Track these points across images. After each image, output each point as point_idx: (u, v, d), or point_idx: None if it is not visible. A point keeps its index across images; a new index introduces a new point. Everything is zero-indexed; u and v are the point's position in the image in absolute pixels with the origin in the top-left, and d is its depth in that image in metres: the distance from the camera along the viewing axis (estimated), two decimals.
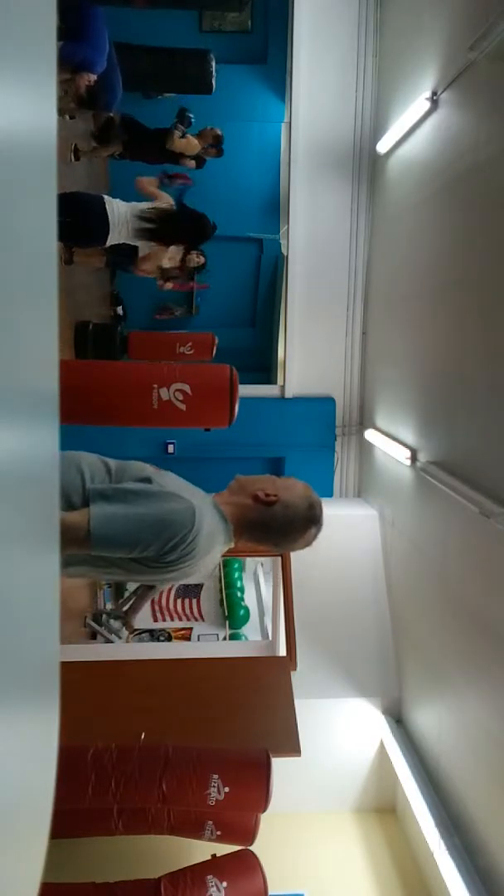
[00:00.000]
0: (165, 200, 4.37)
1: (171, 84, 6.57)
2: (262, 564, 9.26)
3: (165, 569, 1.75)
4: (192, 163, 5.87)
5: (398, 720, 4.53)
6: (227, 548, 1.88)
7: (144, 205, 4.31)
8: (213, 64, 6.48)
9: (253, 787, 3.29)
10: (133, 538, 1.68)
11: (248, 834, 3.44)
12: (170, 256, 4.84)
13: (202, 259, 5.52)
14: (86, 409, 3.43)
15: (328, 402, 5.75)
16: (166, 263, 4.92)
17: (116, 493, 1.73)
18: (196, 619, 8.53)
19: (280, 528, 1.86)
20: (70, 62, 4.26)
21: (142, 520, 1.69)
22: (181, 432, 5.51)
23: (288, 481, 1.91)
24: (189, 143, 5.69)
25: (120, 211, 4.17)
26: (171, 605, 8.51)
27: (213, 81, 6.45)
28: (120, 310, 7.73)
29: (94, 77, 4.42)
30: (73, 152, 5.70)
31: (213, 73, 6.46)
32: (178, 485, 1.83)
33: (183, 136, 5.68)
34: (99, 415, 3.57)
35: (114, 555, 1.74)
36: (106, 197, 4.21)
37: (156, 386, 3.38)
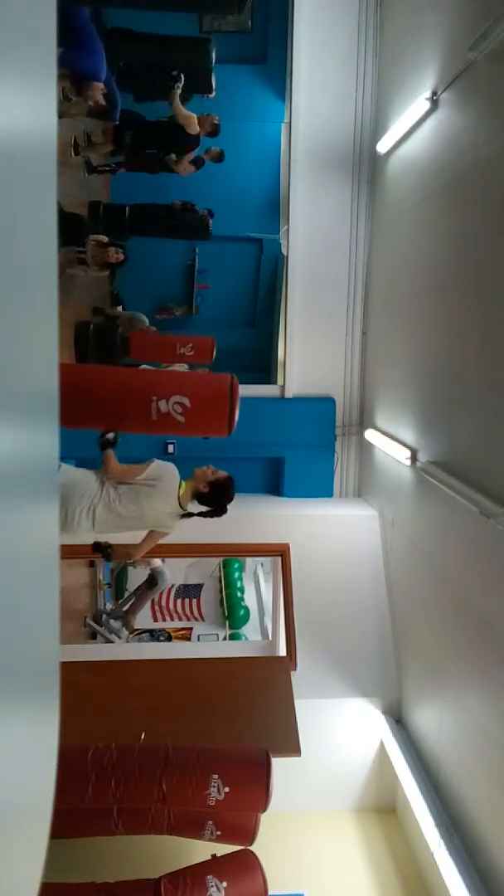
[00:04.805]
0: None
1: (164, 82, 5.30)
2: (262, 564, 9.25)
3: None
4: (193, 168, 5.83)
5: (398, 720, 4.53)
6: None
7: None
8: (213, 56, 5.53)
9: (253, 787, 3.29)
10: None
11: (248, 834, 3.45)
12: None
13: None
14: (85, 416, 3.40)
15: (328, 402, 5.75)
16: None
17: None
18: (196, 619, 8.54)
19: None
20: (70, 70, 4.25)
21: None
22: None
23: None
24: (191, 117, 5.37)
25: None
26: (171, 605, 8.52)
27: (213, 76, 5.61)
28: (120, 310, 7.71)
29: (102, 85, 4.42)
30: (73, 147, 5.69)
31: (213, 66, 5.56)
32: None
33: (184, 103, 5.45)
34: (98, 422, 3.55)
35: None
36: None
37: (154, 398, 3.30)
